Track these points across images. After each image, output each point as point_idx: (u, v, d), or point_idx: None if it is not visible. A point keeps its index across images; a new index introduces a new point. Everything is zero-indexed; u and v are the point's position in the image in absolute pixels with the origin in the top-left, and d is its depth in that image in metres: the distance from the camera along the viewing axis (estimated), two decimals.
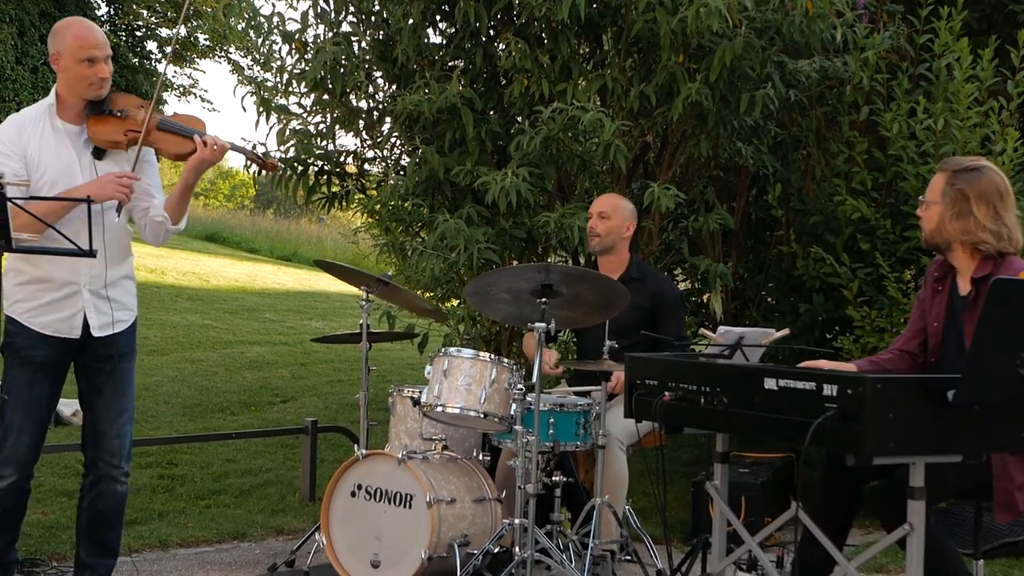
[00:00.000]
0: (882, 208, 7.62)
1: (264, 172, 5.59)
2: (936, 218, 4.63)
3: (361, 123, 8.53)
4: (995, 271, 4.48)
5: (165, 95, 28.72)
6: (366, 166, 8.82)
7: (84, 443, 5.16)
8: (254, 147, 5.42)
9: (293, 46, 8.35)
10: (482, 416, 5.48)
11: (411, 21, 7.74)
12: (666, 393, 4.36)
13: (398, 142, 8.68)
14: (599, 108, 6.99)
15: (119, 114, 5.00)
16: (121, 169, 5.00)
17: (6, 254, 4.42)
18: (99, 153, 4.99)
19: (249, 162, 5.56)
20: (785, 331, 5.22)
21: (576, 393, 6.16)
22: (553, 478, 5.59)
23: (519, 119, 7.74)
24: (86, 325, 4.94)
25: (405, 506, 5.51)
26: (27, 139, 4.88)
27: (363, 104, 8.48)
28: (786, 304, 8.52)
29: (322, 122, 8.54)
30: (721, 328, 5.04)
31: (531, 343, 6.21)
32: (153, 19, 28.92)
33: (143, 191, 5.08)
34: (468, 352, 5.62)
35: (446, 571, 5.41)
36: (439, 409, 5.52)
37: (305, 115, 8.52)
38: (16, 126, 4.92)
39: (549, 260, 8.26)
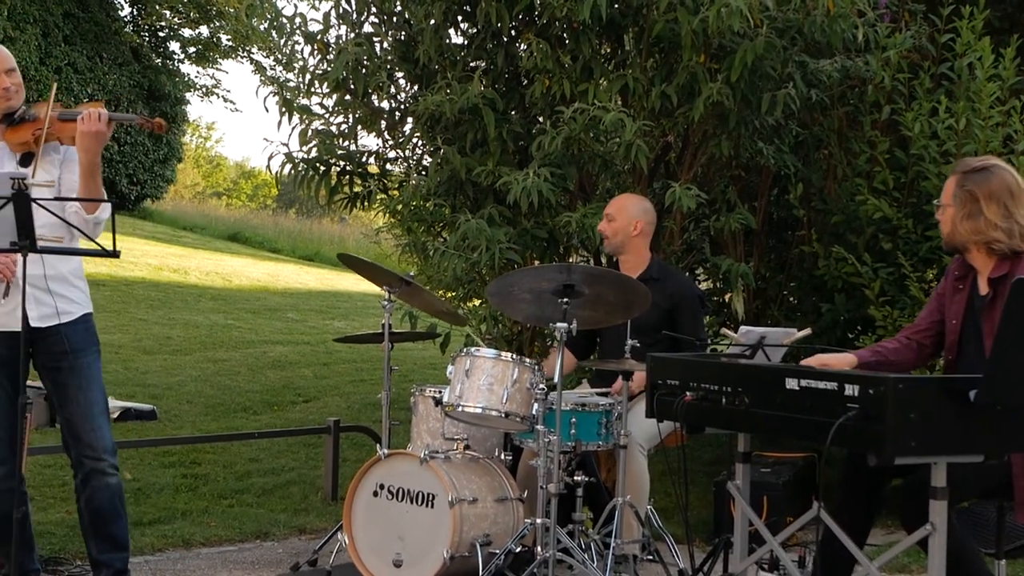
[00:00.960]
0: (904, 208, 7.60)
1: (154, 131, 5.61)
2: (950, 221, 4.64)
3: (383, 123, 8.54)
4: (1012, 271, 4.48)
5: (188, 95, 28.86)
6: (388, 166, 8.84)
7: (64, 444, 5.21)
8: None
9: (315, 47, 8.37)
10: (504, 416, 5.49)
11: (433, 21, 7.76)
12: (687, 393, 4.37)
13: (420, 142, 8.70)
14: (620, 108, 6.99)
15: (28, 118, 5.08)
16: (57, 168, 5.08)
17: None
18: (26, 160, 5.06)
19: (138, 126, 5.55)
20: (807, 331, 5.22)
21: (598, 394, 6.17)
22: (575, 478, 5.60)
23: (540, 119, 7.74)
24: (26, 318, 4.90)
25: (427, 505, 5.52)
26: None
27: (385, 104, 8.50)
28: (808, 304, 8.50)
29: (344, 122, 8.57)
30: (743, 328, 5.04)
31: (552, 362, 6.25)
32: (176, 19, 29.03)
33: (73, 188, 5.09)
34: (490, 352, 5.63)
35: (468, 571, 5.43)
36: (461, 409, 5.54)
37: (327, 115, 8.55)
38: None
39: (571, 260, 8.27)
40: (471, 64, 8.03)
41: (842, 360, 4.69)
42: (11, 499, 4.99)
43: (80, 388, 5.11)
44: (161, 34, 28.92)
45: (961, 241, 4.63)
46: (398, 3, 8.26)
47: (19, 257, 4.66)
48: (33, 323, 4.95)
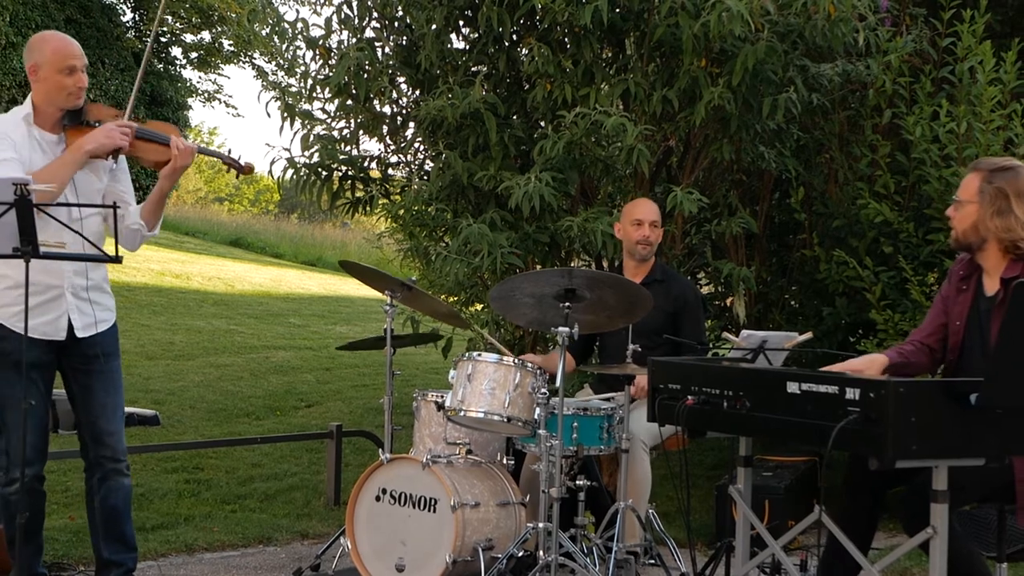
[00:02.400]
0: (905, 211, 7.61)
1: (239, 176, 5.69)
2: (972, 216, 4.61)
3: (385, 128, 8.56)
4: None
5: (190, 100, 28.88)
6: (390, 171, 8.85)
7: (82, 445, 5.23)
8: (233, 155, 5.49)
9: (317, 52, 8.39)
10: (506, 420, 5.49)
11: (434, 26, 7.76)
12: (689, 397, 4.37)
13: (422, 147, 8.72)
14: (622, 112, 7.00)
15: (97, 125, 5.10)
16: (98, 177, 5.13)
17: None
18: None
19: (226, 165, 5.60)
20: (808, 335, 5.23)
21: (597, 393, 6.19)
22: (577, 482, 5.60)
23: (542, 124, 7.76)
24: (71, 327, 5.01)
25: (429, 510, 5.52)
26: (15, 135, 4.96)
27: (387, 109, 8.52)
28: (809, 308, 8.51)
29: (346, 127, 8.58)
30: (744, 332, 5.05)
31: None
32: (178, 25, 29.04)
33: (120, 198, 5.17)
34: (492, 356, 5.63)
35: (470, 575, 5.43)
36: (463, 413, 5.53)
37: (329, 120, 8.57)
38: (3, 130, 4.99)
39: (572, 264, 8.28)
40: (473, 69, 8.05)
41: (873, 362, 4.68)
42: (40, 501, 5.04)
43: (107, 392, 5.18)
44: (163, 39, 28.93)
45: (981, 237, 4.61)
46: (400, 8, 8.27)
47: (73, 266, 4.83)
48: (78, 333, 5.04)
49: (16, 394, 4.85)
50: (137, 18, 28.41)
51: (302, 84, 8.45)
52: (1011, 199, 4.53)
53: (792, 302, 8.96)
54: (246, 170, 5.60)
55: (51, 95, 5.01)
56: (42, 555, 5.32)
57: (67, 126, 5.07)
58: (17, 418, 4.86)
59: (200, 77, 30.64)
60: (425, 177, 8.52)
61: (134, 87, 5.49)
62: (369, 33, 8.41)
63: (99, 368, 5.15)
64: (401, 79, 8.48)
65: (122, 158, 5.23)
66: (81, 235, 4.79)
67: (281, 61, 8.83)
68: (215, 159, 5.52)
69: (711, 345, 7.53)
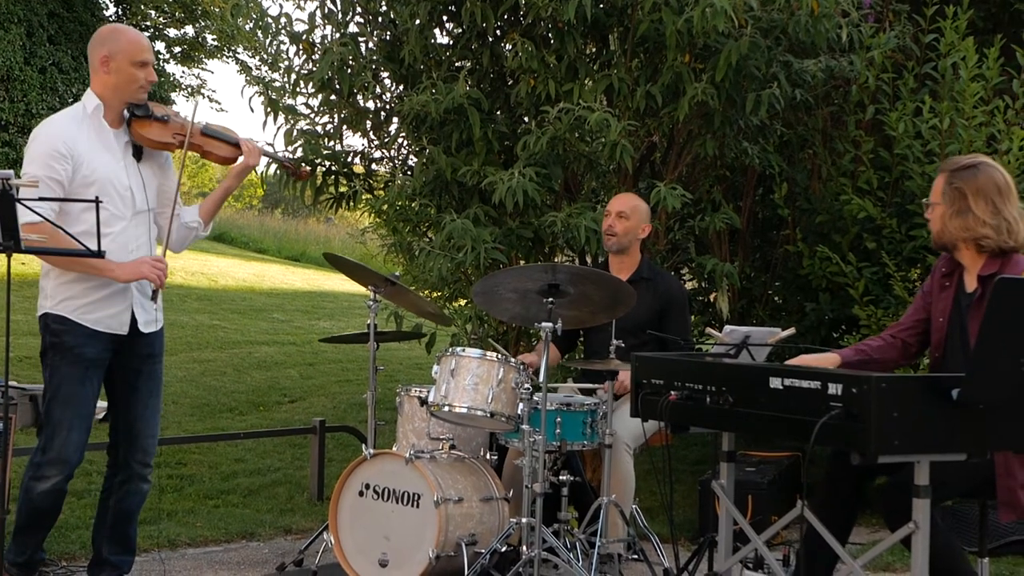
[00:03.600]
0: (888, 207, 7.63)
1: (295, 179, 5.80)
2: (941, 218, 4.66)
3: (368, 123, 8.54)
4: (1002, 269, 4.50)
5: (173, 95, 28.80)
6: (373, 166, 8.84)
7: (115, 442, 5.23)
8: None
9: (300, 47, 8.37)
10: (489, 415, 5.49)
11: (418, 22, 7.75)
12: (672, 392, 4.38)
13: (405, 142, 8.71)
14: (605, 108, 7.00)
15: (163, 118, 5.15)
16: (160, 169, 5.22)
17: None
18: (138, 154, 5.14)
19: (280, 171, 5.67)
20: (791, 330, 5.24)
21: (582, 391, 6.18)
22: (560, 477, 5.62)
23: (526, 119, 7.75)
24: (133, 321, 5.04)
25: (413, 505, 5.53)
26: (77, 138, 4.95)
27: (370, 104, 8.50)
28: (792, 303, 8.53)
29: (329, 122, 8.57)
30: (727, 327, 5.06)
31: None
32: (161, 19, 28.96)
33: (170, 195, 5.24)
34: (475, 351, 5.64)
35: (454, 570, 5.44)
36: (446, 408, 5.54)
37: (312, 115, 8.54)
38: (64, 125, 5.00)
39: (556, 260, 8.28)
40: (456, 64, 8.04)
41: (825, 360, 4.72)
42: (62, 500, 5.04)
43: (151, 394, 5.23)
44: (147, 34, 28.83)
45: (950, 239, 4.65)
46: (383, 3, 8.26)
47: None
48: (141, 328, 5.09)
49: (73, 391, 4.88)
50: (120, 12, 28.32)
51: (285, 79, 8.42)
52: (969, 198, 4.57)
53: (775, 298, 8.98)
54: (302, 175, 5.69)
55: (121, 87, 5.03)
56: (43, 543, 5.32)
57: (134, 118, 5.11)
58: (67, 415, 4.88)
59: (184, 72, 30.56)
60: (409, 172, 8.51)
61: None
62: (353, 28, 8.39)
63: (149, 369, 5.20)
64: (385, 74, 8.47)
65: (170, 155, 5.31)
66: (72, 235, 4.82)
67: (264, 56, 8.80)
68: (273, 161, 5.59)
69: (695, 342, 7.53)
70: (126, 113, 5.10)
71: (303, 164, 5.38)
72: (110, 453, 5.25)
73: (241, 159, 5.35)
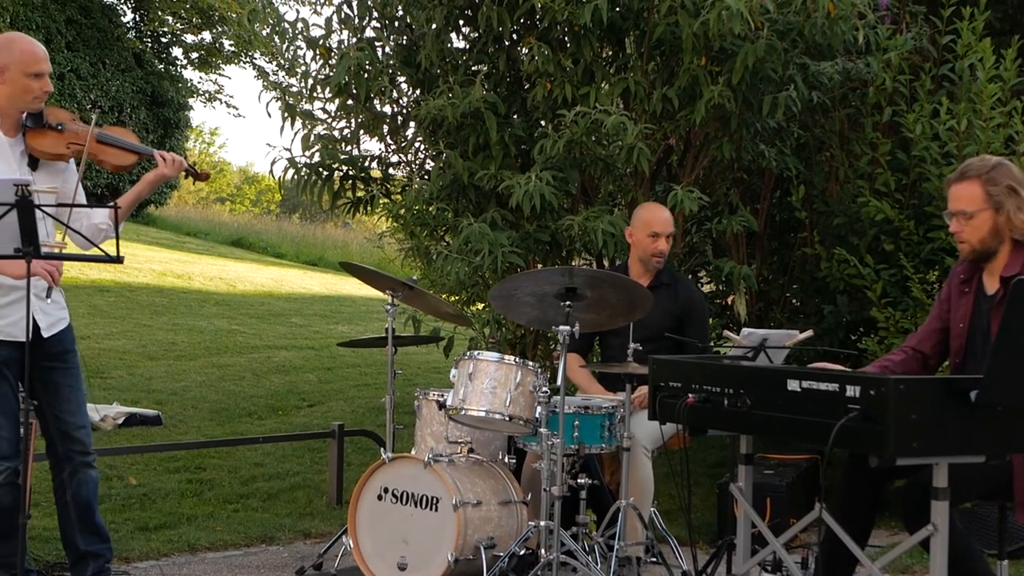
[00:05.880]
0: (906, 209, 7.61)
1: (196, 182, 5.80)
2: (988, 223, 4.57)
3: (385, 128, 8.56)
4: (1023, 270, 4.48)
5: (191, 101, 28.89)
6: (390, 171, 8.85)
7: (51, 440, 5.25)
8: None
9: (317, 52, 8.39)
10: (507, 419, 5.50)
11: (434, 26, 7.77)
12: (690, 395, 4.38)
13: (422, 147, 8.72)
14: (622, 111, 7.00)
15: (58, 127, 5.14)
16: (55, 180, 5.13)
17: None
18: (34, 164, 5.12)
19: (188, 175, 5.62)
20: (809, 333, 5.23)
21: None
22: (578, 480, 5.61)
23: (542, 123, 7.76)
24: (36, 328, 5.01)
25: (431, 509, 5.54)
26: None
27: (387, 109, 8.52)
28: (810, 306, 8.51)
29: (347, 127, 8.58)
30: (745, 330, 5.06)
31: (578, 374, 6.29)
32: (178, 25, 29.05)
33: (70, 198, 5.15)
34: (493, 355, 5.64)
35: (472, 573, 5.44)
36: (464, 412, 5.54)
37: (330, 120, 8.57)
38: None
39: (573, 264, 8.28)
40: (473, 68, 8.05)
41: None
42: (16, 495, 5.04)
43: (72, 388, 5.23)
44: (164, 40, 28.92)
45: (998, 240, 4.59)
46: (400, 8, 8.27)
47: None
48: (44, 333, 5.07)
49: None
50: (137, 18, 28.42)
51: (302, 84, 8.45)
52: (1019, 191, 4.55)
53: (793, 300, 8.97)
54: (202, 176, 5.65)
55: (15, 97, 5.03)
56: (26, 554, 5.32)
57: (28, 128, 5.11)
58: None
59: (201, 77, 30.69)
60: (426, 177, 8.52)
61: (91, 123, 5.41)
62: (369, 33, 8.41)
63: (63, 365, 5.20)
64: (401, 79, 8.48)
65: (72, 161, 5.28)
66: (85, 237, 4.86)
67: (281, 61, 8.82)
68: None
69: (713, 346, 7.52)
70: (29, 122, 5.11)
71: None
72: (49, 453, 5.27)
73: (159, 169, 5.30)
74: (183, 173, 5.49)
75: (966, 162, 4.77)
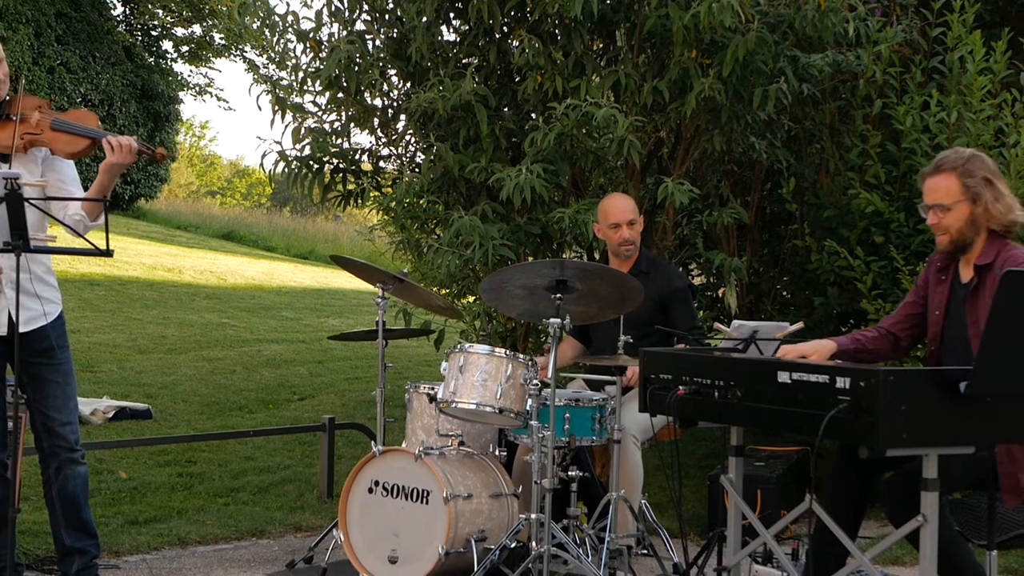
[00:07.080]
0: (896, 201, 7.62)
1: (153, 161, 5.72)
2: (965, 213, 4.60)
3: (376, 121, 8.56)
4: (998, 259, 4.50)
5: (181, 94, 28.84)
6: (381, 164, 8.85)
7: (36, 437, 5.24)
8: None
9: (308, 45, 8.38)
10: (498, 412, 5.49)
11: (425, 19, 7.76)
12: (680, 387, 4.38)
13: (413, 139, 8.72)
14: (613, 104, 7.01)
15: (15, 118, 5.09)
16: (30, 172, 5.06)
17: None
18: (4, 157, 5.09)
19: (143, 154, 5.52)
20: (799, 325, 5.23)
21: (590, 382, 6.19)
22: (569, 473, 5.62)
23: (533, 116, 7.76)
24: (11, 323, 4.97)
25: (422, 502, 5.53)
26: None
27: (378, 102, 8.52)
28: (801, 298, 8.53)
29: (337, 120, 8.58)
30: (735, 322, 5.06)
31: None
32: (169, 19, 29.00)
33: (62, 189, 5.15)
34: (483, 348, 5.64)
35: (463, 566, 5.44)
36: (455, 405, 5.54)
37: (320, 113, 8.56)
38: None
39: (564, 256, 8.28)
40: (463, 61, 8.05)
41: (820, 347, 4.72)
42: (3, 489, 5.04)
43: (59, 384, 5.19)
44: (154, 33, 28.88)
45: (975, 231, 4.61)
46: (390, 1, 8.26)
47: (10, 259, 4.71)
48: (21, 328, 4.94)
49: None
50: (128, 12, 28.37)
51: (293, 77, 8.44)
52: (996, 182, 4.58)
53: (784, 292, 8.98)
54: (158, 156, 5.53)
55: None
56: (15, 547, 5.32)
57: None
58: None
59: (191, 71, 30.62)
60: (416, 169, 8.52)
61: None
62: (360, 26, 8.40)
63: (50, 361, 5.16)
64: (392, 71, 8.48)
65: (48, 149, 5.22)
66: (72, 229, 4.83)
67: (272, 54, 8.80)
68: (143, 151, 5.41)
69: (703, 331, 7.53)
70: None
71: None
72: (37, 447, 5.26)
73: (107, 158, 5.15)
74: (139, 154, 5.38)
75: (940, 155, 4.78)
